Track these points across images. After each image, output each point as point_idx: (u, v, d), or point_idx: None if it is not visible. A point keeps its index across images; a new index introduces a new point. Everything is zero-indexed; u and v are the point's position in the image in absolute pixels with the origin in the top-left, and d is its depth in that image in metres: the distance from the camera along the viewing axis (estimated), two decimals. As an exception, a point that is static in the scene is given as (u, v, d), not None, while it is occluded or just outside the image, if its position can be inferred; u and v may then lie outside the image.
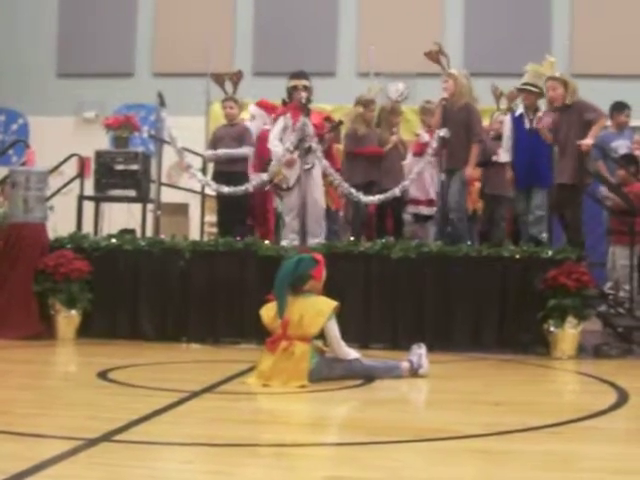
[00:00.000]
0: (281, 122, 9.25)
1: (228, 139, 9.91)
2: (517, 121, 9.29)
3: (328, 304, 5.75)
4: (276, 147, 9.12)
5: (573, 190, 8.60)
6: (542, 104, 9.25)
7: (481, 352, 7.85)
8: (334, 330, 5.76)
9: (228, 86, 10.15)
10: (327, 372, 5.76)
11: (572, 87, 8.65)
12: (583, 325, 7.90)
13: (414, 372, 6.10)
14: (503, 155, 9.38)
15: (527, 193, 9.09)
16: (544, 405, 5.28)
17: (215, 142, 10.03)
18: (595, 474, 3.42)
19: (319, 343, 5.88)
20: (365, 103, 9.86)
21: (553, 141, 8.81)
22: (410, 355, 6.22)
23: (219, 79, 10.23)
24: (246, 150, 9.82)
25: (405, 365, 6.10)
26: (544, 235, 8.87)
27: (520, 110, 9.37)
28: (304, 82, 9.23)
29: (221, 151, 9.78)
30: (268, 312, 5.86)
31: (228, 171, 9.72)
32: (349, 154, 9.85)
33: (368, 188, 9.38)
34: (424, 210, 10.36)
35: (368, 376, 5.92)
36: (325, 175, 9.18)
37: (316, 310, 5.70)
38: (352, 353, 5.90)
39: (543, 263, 8.07)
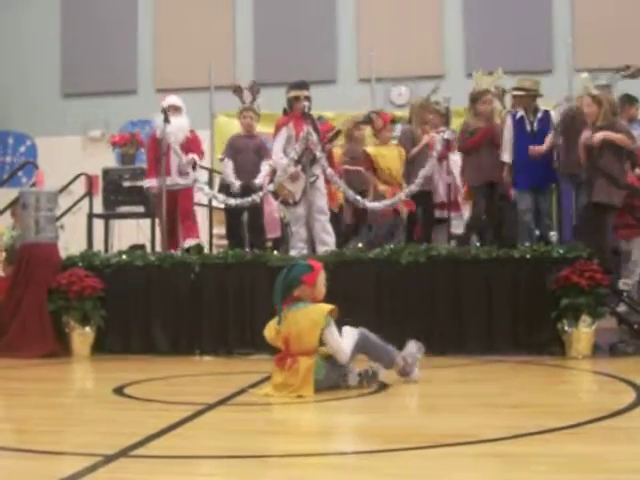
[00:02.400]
0: (284, 133, 9.23)
1: (248, 151, 9.92)
2: (518, 123, 9.34)
3: (321, 312, 5.67)
4: (281, 159, 9.10)
5: (607, 209, 8.60)
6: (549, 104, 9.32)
7: (495, 355, 7.82)
8: (332, 339, 5.69)
9: (247, 96, 10.14)
10: (336, 376, 5.74)
11: (606, 107, 8.61)
12: (598, 323, 7.87)
13: (405, 373, 6.02)
14: (504, 156, 9.37)
15: (531, 193, 9.11)
16: (562, 406, 5.25)
17: (234, 152, 10.02)
18: (617, 475, 3.38)
19: (324, 349, 5.85)
20: (477, 95, 9.52)
21: (585, 159, 8.79)
22: (405, 352, 6.10)
23: (237, 90, 10.21)
24: (266, 167, 9.84)
25: (399, 360, 6.03)
26: (553, 234, 8.87)
27: (521, 112, 9.39)
28: (305, 93, 9.21)
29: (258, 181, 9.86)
30: (270, 331, 5.86)
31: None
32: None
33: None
34: (436, 213, 10.31)
35: (367, 353, 5.95)
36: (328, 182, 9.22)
37: (310, 322, 5.66)
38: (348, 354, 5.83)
39: (554, 262, 8.05)
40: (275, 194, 9.39)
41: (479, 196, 9.37)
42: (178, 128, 9.58)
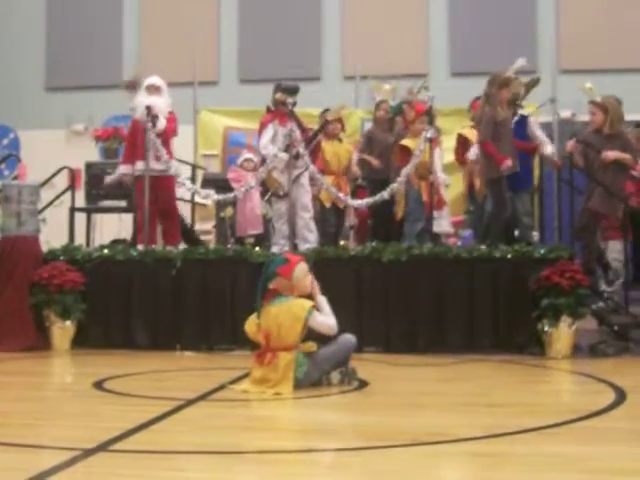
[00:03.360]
0: (270, 129, 9.28)
1: None
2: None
3: (302, 307, 5.72)
4: (268, 150, 9.15)
5: (597, 217, 8.86)
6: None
7: (476, 354, 7.84)
8: (318, 323, 5.74)
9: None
10: (318, 374, 5.75)
11: (612, 116, 8.75)
12: (578, 324, 7.90)
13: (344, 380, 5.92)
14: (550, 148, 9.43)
15: (512, 195, 9.08)
16: (541, 406, 5.27)
17: None
18: (596, 475, 3.40)
19: (309, 343, 5.85)
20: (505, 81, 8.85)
21: (582, 166, 8.90)
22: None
23: (130, 85, 10.14)
24: None
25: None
26: (535, 234, 8.90)
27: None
28: (295, 99, 9.21)
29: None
30: (250, 326, 5.89)
31: None
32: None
33: None
34: None
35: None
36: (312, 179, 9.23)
37: (292, 317, 5.69)
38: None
39: (536, 262, 8.07)
40: (264, 186, 9.36)
41: (499, 188, 9.02)
42: (158, 110, 9.37)
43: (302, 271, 5.88)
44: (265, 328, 5.72)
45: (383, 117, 10.60)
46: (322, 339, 5.90)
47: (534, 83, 9.91)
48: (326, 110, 10.48)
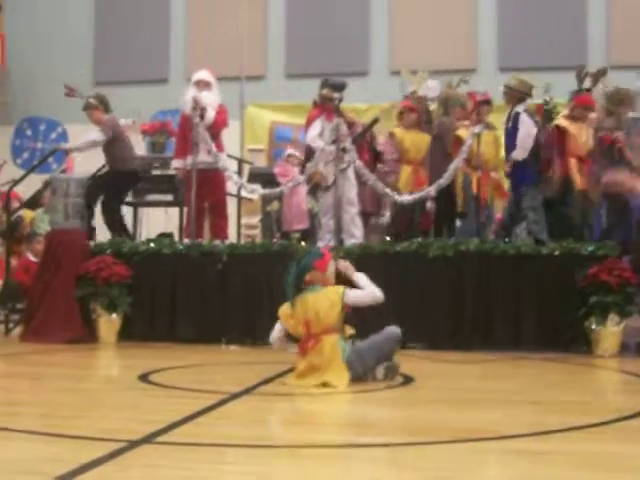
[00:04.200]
0: (318, 125, 9.33)
1: None
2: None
3: (335, 291, 5.74)
4: (316, 143, 9.19)
5: None
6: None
7: (522, 351, 7.80)
8: (356, 295, 5.75)
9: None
10: (362, 369, 5.72)
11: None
12: (625, 322, 7.81)
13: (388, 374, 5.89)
14: (519, 153, 9.07)
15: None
16: (587, 404, 5.22)
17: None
18: (639, 474, 3.37)
19: (346, 328, 5.83)
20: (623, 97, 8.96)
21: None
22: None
23: (70, 91, 10.20)
24: None
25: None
26: (544, 235, 8.78)
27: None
28: (341, 95, 9.19)
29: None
30: (284, 311, 5.89)
31: None
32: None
33: None
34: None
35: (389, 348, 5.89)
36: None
37: (328, 302, 5.69)
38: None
39: (583, 260, 7.99)
40: (309, 179, 9.34)
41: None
42: (207, 104, 9.42)
43: (333, 268, 5.92)
44: (304, 317, 5.72)
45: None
46: (365, 333, 5.87)
47: (602, 73, 9.76)
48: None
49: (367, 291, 5.80)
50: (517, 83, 9.13)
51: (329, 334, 5.67)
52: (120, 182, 9.75)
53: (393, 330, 5.94)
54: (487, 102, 9.60)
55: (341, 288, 5.76)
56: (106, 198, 9.63)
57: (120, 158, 9.66)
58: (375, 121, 9.91)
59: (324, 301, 5.70)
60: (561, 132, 9.43)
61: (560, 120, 9.60)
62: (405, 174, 9.84)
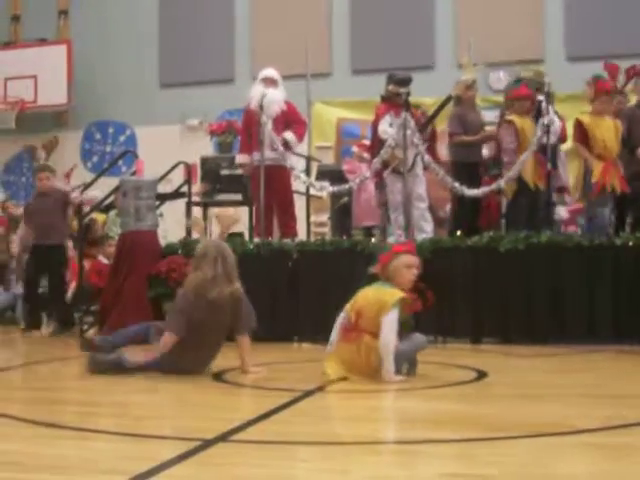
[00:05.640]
0: (387, 120, 9.29)
1: (43, 211, 10.05)
2: None
3: (391, 296, 5.59)
4: (387, 132, 9.14)
5: None
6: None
7: (596, 344, 7.68)
8: (386, 324, 5.51)
9: (40, 154, 10.17)
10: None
11: None
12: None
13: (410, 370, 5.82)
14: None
15: None
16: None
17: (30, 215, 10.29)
18: None
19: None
20: None
21: None
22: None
23: (31, 149, 10.26)
24: None
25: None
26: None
27: None
28: (408, 89, 9.15)
29: None
30: (349, 308, 5.88)
31: None
32: None
33: None
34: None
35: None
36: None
37: (379, 303, 5.59)
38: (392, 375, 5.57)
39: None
40: (385, 164, 9.24)
41: None
42: (271, 101, 9.44)
43: (403, 262, 5.77)
44: (359, 306, 5.70)
45: (472, 97, 10.27)
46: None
47: None
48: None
49: (391, 337, 5.53)
50: (531, 74, 9.03)
51: (371, 336, 5.60)
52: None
53: (422, 339, 5.89)
54: (611, 91, 9.32)
55: (398, 295, 5.59)
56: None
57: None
58: (448, 99, 9.83)
59: (375, 300, 5.65)
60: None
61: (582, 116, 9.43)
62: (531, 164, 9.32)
